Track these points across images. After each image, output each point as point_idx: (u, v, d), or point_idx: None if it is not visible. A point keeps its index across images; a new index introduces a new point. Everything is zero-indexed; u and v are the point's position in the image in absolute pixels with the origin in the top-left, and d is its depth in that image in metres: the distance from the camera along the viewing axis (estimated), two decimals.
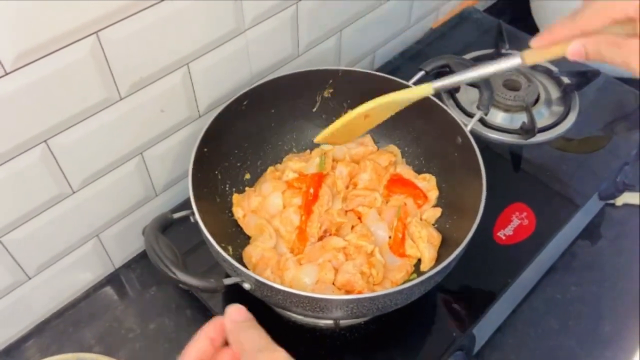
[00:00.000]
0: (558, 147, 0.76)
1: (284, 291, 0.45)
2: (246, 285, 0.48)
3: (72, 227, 0.62)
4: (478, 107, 0.59)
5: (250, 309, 0.60)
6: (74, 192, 0.59)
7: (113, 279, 0.71)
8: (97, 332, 0.66)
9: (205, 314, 0.66)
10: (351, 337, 0.58)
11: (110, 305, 0.68)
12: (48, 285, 0.64)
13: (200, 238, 0.58)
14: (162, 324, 0.67)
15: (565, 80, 0.82)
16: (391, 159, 0.55)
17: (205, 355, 0.37)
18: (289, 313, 0.59)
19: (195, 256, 0.65)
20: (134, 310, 0.68)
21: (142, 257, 0.73)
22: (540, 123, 0.77)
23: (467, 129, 0.57)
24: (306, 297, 0.45)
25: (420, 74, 0.62)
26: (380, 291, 0.45)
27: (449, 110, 0.59)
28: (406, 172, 0.55)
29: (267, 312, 0.60)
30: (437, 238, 0.51)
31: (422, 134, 0.63)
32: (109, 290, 0.70)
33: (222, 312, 0.63)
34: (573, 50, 0.42)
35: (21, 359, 0.64)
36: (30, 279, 0.62)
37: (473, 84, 0.61)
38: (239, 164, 0.62)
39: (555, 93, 0.82)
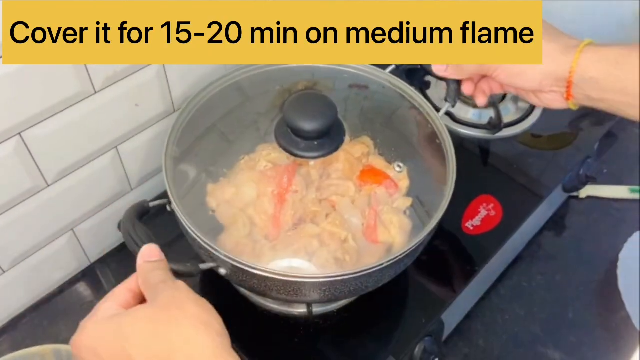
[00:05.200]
0: (527, 143, 0.79)
1: (259, 274, 0.47)
2: (222, 271, 0.49)
3: (46, 221, 0.62)
4: (445, 100, 0.61)
5: (226, 298, 0.62)
6: (48, 186, 0.59)
7: (88, 273, 0.71)
8: (73, 326, 0.64)
9: None
10: (324, 324, 0.60)
11: (85, 299, 0.69)
12: (23, 279, 0.64)
13: (177, 233, 0.59)
14: None
15: None
16: (364, 150, 0.57)
17: (125, 306, 0.39)
18: (263, 302, 0.61)
19: (171, 251, 0.66)
20: None
21: (118, 251, 0.73)
22: (507, 118, 0.80)
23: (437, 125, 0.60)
24: (281, 280, 0.47)
25: (391, 67, 0.65)
26: (352, 271, 0.47)
27: (422, 103, 0.62)
28: (378, 162, 0.57)
29: (243, 301, 0.62)
30: (408, 224, 0.54)
31: (394, 126, 0.65)
32: (84, 284, 0.70)
33: None
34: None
35: None
36: (4, 272, 0.62)
37: (439, 77, 0.63)
38: (214, 155, 0.62)
39: None
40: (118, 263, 0.72)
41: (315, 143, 0.51)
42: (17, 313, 0.67)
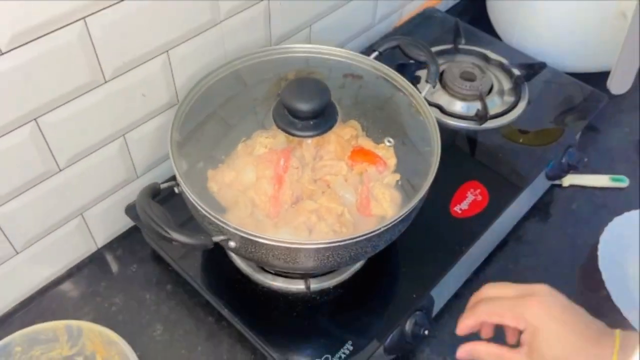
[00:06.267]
0: (515, 140, 0.82)
1: (267, 244, 0.51)
2: (231, 244, 0.53)
3: (57, 205, 0.66)
4: (427, 81, 0.66)
5: (229, 277, 0.66)
6: (60, 170, 0.63)
7: (96, 257, 0.74)
8: (81, 307, 0.70)
9: (184, 288, 0.71)
10: (321, 299, 0.64)
11: (93, 281, 0.72)
12: (35, 260, 0.67)
13: (183, 217, 0.62)
14: (143, 298, 0.71)
15: (516, 72, 0.89)
16: (352, 132, 0.61)
17: None
18: (264, 279, 0.64)
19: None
20: (117, 286, 0.72)
21: (124, 237, 0.77)
22: (493, 110, 0.84)
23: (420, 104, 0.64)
24: (287, 247, 0.51)
25: (374, 54, 0.70)
26: (353, 236, 0.51)
27: (405, 86, 0.66)
28: (366, 143, 0.61)
29: (245, 279, 0.65)
30: (398, 197, 0.58)
31: (382, 109, 0.69)
32: (92, 267, 0.73)
33: (200, 280, 0.67)
34: (460, 355, 0.53)
35: (6, 333, 0.67)
36: (17, 253, 0.65)
37: (420, 61, 0.68)
38: (214, 141, 0.66)
39: (507, 84, 0.89)
40: (124, 248, 0.76)
41: (311, 123, 0.56)
42: (28, 295, 0.70)
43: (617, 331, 0.50)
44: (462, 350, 0.53)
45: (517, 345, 0.52)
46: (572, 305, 0.52)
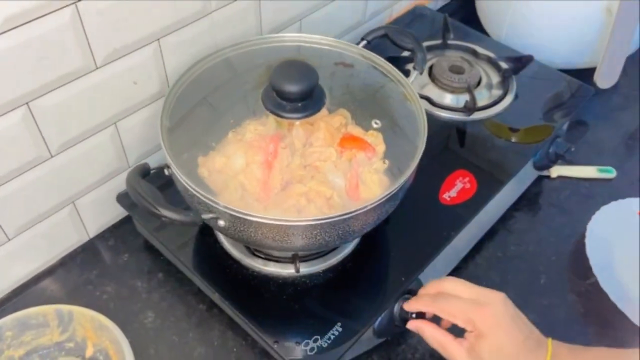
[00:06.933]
0: (502, 132, 0.83)
1: (256, 221, 0.51)
2: (221, 222, 0.54)
3: (49, 192, 0.66)
4: (414, 68, 0.67)
5: (220, 262, 0.66)
6: (52, 156, 0.64)
7: (88, 247, 0.75)
8: (72, 295, 0.70)
9: (176, 276, 0.71)
10: (311, 283, 0.64)
11: (85, 270, 0.72)
12: (27, 248, 0.68)
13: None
14: (135, 286, 0.71)
15: (504, 65, 0.91)
16: (342, 121, 0.62)
17: None
18: (254, 264, 0.65)
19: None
20: (108, 274, 0.72)
21: (116, 227, 0.77)
22: (481, 102, 0.85)
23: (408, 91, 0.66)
24: (276, 224, 0.52)
25: (363, 42, 0.72)
26: (341, 213, 0.52)
27: (392, 72, 0.67)
28: (356, 131, 0.62)
29: (235, 264, 0.66)
30: (386, 182, 0.58)
31: (370, 97, 0.69)
32: (84, 256, 0.74)
33: (191, 265, 0.67)
34: (410, 326, 0.60)
35: None
36: (9, 240, 0.65)
37: (407, 48, 0.69)
38: (204, 128, 0.67)
39: (495, 78, 0.91)
40: (116, 239, 0.76)
41: (299, 105, 0.57)
42: (20, 283, 0.70)
43: (549, 341, 0.54)
44: (411, 325, 0.59)
45: (450, 329, 0.57)
46: (518, 316, 0.56)
